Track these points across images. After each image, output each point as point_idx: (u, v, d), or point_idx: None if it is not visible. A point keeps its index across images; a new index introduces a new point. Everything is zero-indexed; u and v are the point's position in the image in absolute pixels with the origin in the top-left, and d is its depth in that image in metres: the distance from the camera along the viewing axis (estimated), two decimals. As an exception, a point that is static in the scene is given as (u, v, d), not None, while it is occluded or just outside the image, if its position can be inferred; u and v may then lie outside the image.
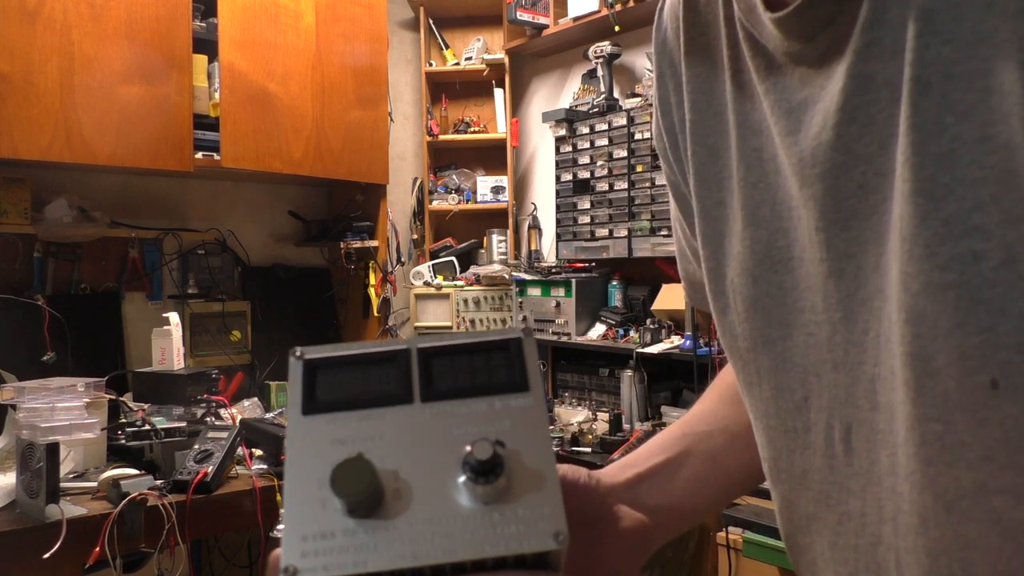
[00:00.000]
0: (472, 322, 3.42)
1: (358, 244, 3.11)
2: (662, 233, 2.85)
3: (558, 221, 3.28)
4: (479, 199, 3.64)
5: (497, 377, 0.36)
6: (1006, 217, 0.31)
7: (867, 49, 0.37)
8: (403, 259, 3.53)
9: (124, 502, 1.72)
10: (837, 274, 0.40)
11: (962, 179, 0.32)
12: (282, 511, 0.34)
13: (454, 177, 3.70)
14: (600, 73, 3.19)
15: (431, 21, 3.69)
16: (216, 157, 2.62)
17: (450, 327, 3.42)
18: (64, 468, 1.83)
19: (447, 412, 0.35)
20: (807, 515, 0.45)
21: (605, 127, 3.07)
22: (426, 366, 0.36)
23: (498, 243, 3.60)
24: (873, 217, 0.38)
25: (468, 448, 0.33)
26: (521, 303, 3.26)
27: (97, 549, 1.68)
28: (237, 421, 2.20)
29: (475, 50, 3.64)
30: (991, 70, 0.31)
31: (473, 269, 3.55)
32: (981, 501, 0.33)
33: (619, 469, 0.52)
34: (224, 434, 1.98)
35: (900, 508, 0.37)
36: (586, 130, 3.14)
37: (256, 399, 2.68)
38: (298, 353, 0.37)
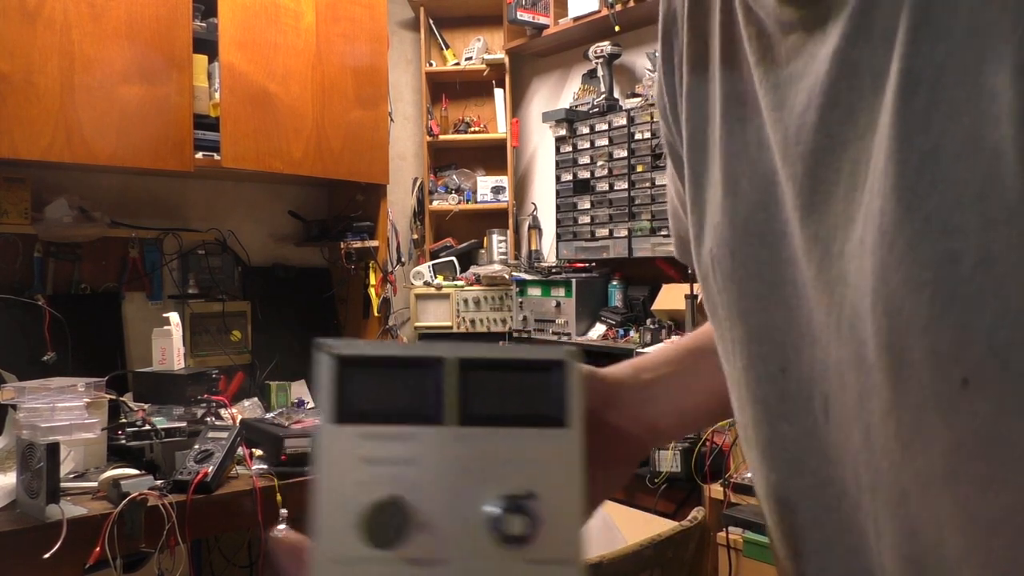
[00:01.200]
0: (472, 322, 3.42)
1: (358, 244, 3.11)
2: (662, 233, 2.85)
3: (558, 221, 3.27)
4: (479, 199, 3.64)
5: (538, 406, 0.36)
6: (986, 220, 0.31)
7: (855, 34, 0.36)
8: (403, 259, 3.53)
9: (124, 502, 1.72)
10: (807, 256, 0.40)
11: (945, 178, 0.32)
12: (306, 523, 0.35)
13: (454, 177, 3.70)
14: (600, 73, 3.19)
15: (431, 21, 3.69)
16: (216, 157, 2.62)
17: (450, 327, 3.42)
18: (64, 468, 1.83)
19: (482, 441, 0.35)
20: (781, 482, 0.45)
21: (605, 127, 3.07)
22: (464, 382, 0.36)
23: (498, 243, 3.60)
24: (843, 204, 0.38)
25: (498, 510, 0.34)
26: (521, 303, 3.26)
27: (97, 549, 1.68)
28: (237, 421, 2.20)
29: (475, 50, 3.64)
30: (983, 70, 0.31)
31: (473, 269, 3.55)
32: (952, 487, 0.34)
33: (631, 372, 0.52)
34: (224, 434, 1.98)
35: (879, 481, 0.38)
36: (586, 130, 3.14)
37: (256, 399, 2.68)
38: (328, 348, 0.35)
